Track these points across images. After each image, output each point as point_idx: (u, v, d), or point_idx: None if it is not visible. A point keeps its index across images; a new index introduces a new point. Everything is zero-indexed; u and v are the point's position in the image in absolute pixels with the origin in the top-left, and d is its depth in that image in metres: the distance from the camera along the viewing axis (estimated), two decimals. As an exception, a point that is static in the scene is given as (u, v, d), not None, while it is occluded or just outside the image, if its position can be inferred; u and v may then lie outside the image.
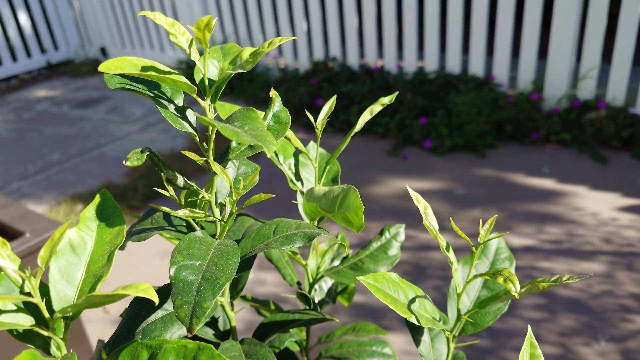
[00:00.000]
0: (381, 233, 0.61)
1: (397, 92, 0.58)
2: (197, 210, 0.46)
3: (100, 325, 1.93)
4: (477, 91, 3.07)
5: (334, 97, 0.59)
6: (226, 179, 0.43)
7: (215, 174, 0.46)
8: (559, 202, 2.45)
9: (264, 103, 3.94)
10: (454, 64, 3.44)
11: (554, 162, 2.79)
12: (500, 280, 0.42)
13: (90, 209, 0.47)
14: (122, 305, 2.01)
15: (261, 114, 0.38)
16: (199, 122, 0.37)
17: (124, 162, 0.40)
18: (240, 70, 0.40)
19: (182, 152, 0.44)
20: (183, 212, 0.45)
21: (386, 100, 0.55)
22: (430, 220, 0.49)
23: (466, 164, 2.86)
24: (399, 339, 1.77)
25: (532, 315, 1.82)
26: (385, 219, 2.43)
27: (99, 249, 0.44)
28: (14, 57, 5.48)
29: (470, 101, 2.96)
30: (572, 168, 2.72)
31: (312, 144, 0.62)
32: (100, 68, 0.38)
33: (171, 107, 0.45)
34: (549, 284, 0.43)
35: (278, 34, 4.78)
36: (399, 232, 0.62)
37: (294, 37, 0.39)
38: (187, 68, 4.43)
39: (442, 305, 1.88)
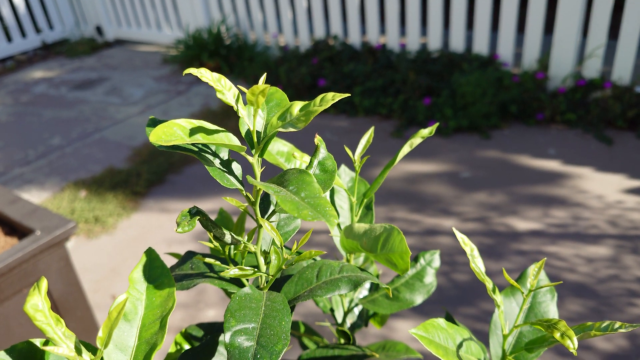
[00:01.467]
0: (416, 259, 0.60)
1: (437, 124, 0.56)
2: (246, 268, 0.45)
3: (106, 313, 1.94)
4: (482, 71, 3.04)
5: (371, 130, 0.57)
6: (277, 237, 0.42)
7: (260, 226, 0.45)
8: (565, 185, 2.44)
9: (265, 83, 3.89)
10: (457, 41, 3.39)
11: (559, 143, 2.77)
12: (557, 335, 0.42)
13: (138, 270, 0.46)
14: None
15: (312, 176, 0.37)
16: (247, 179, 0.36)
17: (175, 229, 0.39)
18: (291, 129, 0.39)
19: (224, 198, 0.43)
20: (233, 272, 0.44)
21: (426, 132, 0.54)
22: (477, 262, 0.48)
23: (471, 145, 2.85)
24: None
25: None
26: (391, 203, 2.43)
27: (150, 314, 0.43)
28: (8, 38, 5.39)
29: (474, 81, 2.93)
30: (578, 149, 2.71)
31: (343, 168, 0.60)
32: (151, 139, 0.37)
33: (216, 162, 0.43)
34: (601, 333, 0.43)
35: (277, 12, 4.70)
36: (434, 258, 0.61)
37: (347, 95, 0.37)
38: (186, 49, 4.36)
39: (454, 298, 1.89)
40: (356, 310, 0.67)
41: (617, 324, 0.42)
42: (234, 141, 0.40)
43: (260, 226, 0.45)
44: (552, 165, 2.60)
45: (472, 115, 2.92)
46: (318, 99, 0.38)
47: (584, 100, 2.93)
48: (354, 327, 0.65)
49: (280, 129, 0.39)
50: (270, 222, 0.45)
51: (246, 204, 0.45)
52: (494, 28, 4.14)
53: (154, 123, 0.43)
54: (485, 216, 2.29)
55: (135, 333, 0.42)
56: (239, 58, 4.25)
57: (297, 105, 0.39)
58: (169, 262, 2.18)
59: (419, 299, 0.58)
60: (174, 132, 0.38)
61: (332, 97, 0.38)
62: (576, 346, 0.41)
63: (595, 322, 0.45)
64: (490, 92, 2.92)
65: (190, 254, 0.52)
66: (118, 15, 5.38)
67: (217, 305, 1.95)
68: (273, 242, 0.45)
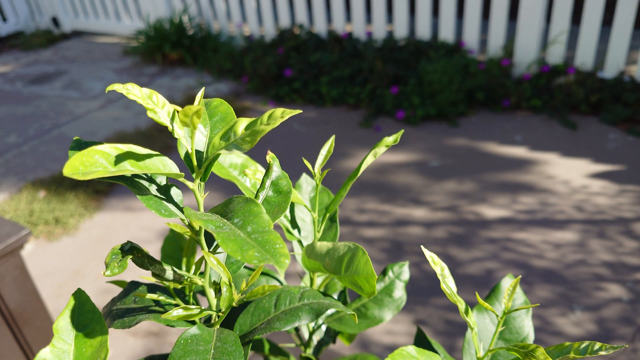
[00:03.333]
0: (384, 273, 0.57)
1: (402, 131, 0.52)
2: (191, 308, 0.41)
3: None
4: (448, 58, 3.03)
5: (332, 139, 0.53)
6: (225, 273, 0.38)
7: (204, 257, 0.40)
8: (532, 171, 2.47)
9: (230, 74, 3.81)
10: (424, 29, 3.37)
11: (525, 130, 2.80)
12: None
13: (64, 317, 0.41)
14: (98, 298, 1.95)
15: (260, 207, 0.32)
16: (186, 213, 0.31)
17: (103, 272, 0.35)
18: (236, 151, 0.34)
19: (167, 224, 0.39)
20: (177, 314, 0.40)
21: (390, 140, 0.50)
22: (447, 282, 0.45)
23: (439, 133, 2.84)
24: None
25: (510, 289, 1.84)
26: (362, 194, 2.41)
27: (79, 368, 0.38)
28: (-43, 30, 5.14)
29: (441, 69, 2.92)
30: (543, 135, 2.74)
31: (304, 177, 0.56)
32: (66, 171, 0.32)
33: (152, 188, 0.39)
34: (580, 356, 0.40)
35: (241, 1, 4.60)
36: (403, 270, 0.58)
37: (299, 111, 0.33)
38: (148, 40, 4.22)
39: (425, 286, 1.89)
40: (323, 327, 0.64)
41: (597, 345, 0.40)
42: (171, 167, 0.35)
43: (204, 257, 0.41)
44: (519, 151, 2.62)
45: (439, 104, 2.92)
46: (265, 116, 0.34)
47: (549, 86, 2.96)
48: (322, 344, 0.62)
49: (223, 151, 0.35)
50: (219, 252, 0.41)
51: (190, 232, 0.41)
52: (459, 15, 4.15)
53: (79, 146, 0.38)
54: (455, 205, 2.29)
55: (65, 393, 0.37)
56: (202, 49, 4.14)
57: (242, 123, 0.34)
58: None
59: (388, 315, 0.55)
60: (94, 161, 0.33)
61: (281, 114, 0.33)
62: (554, 376, 0.39)
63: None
64: (457, 79, 2.92)
65: (133, 285, 0.47)
66: (75, 6, 5.18)
67: (185, 306, 1.89)
68: (225, 287, 0.41)
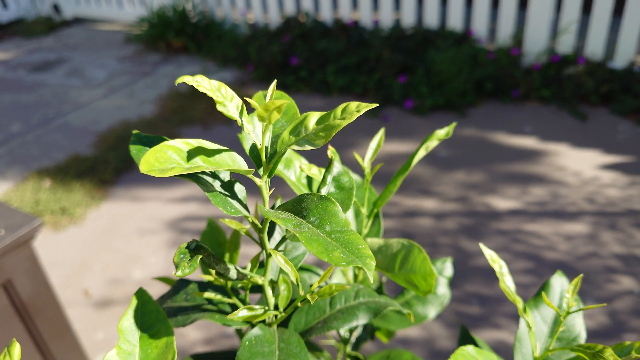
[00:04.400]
0: (428, 269, 0.55)
1: (454, 124, 0.50)
2: (255, 308, 0.39)
3: (81, 309, 1.86)
4: (457, 48, 2.99)
5: (382, 132, 0.51)
6: (293, 273, 0.36)
7: (270, 255, 0.38)
8: (542, 162, 2.45)
9: (235, 62, 3.77)
10: (431, 17, 3.33)
11: (534, 120, 2.77)
12: None
13: (128, 317, 0.39)
14: (106, 289, 1.93)
15: (336, 205, 0.30)
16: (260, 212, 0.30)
17: (173, 272, 0.33)
18: (308, 147, 0.32)
19: (222, 220, 0.37)
20: (242, 314, 0.38)
21: (442, 133, 0.48)
22: (505, 280, 0.44)
23: (448, 124, 2.81)
24: None
25: (521, 280, 1.83)
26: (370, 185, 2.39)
27: (145, 370, 0.36)
28: (-42, 16, 5.08)
29: (450, 59, 2.89)
30: (553, 126, 2.71)
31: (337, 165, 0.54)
32: (142, 168, 0.30)
33: (216, 184, 0.37)
34: None
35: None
36: (445, 266, 0.56)
37: (375, 105, 0.31)
38: (150, 27, 4.18)
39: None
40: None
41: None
42: (240, 163, 0.33)
43: (269, 255, 0.39)
44: (529, 142, 2.60)
45: (448, 94, 2.89)
46: (339, 110, 0.32)
47: (558, 76, 2.93)
48: (360, 340, 0.60)
49: (295, 147, 0.32)
50: (279, 250, 0.39)
51: (248, 226, 0.39)
52: (468, 3, 4.10)
53: (139, 140, 0.36)
54: (465, 196, 2.27)
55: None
56: (206, 36, 4.10)
57: (313, 117, 0.32)
58: (144, 254, 2.10)
59: (432, 312, 0.53)
60: (168, 157, 0.31)
61: (356, 108, 0.31)
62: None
63: (633, 341, 0.41)
64: (465, 69, 2.89)
65: (183, 283, 0.46)
66: (76, -8, 5.12)
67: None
68: (281, 270, 0.40)
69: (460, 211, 2.18)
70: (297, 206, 0.33)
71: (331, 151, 0.43)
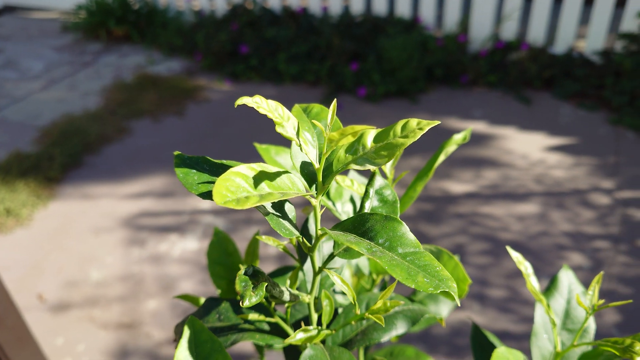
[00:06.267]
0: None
1: (470, 129, 0.51)
2: (309, 329, 0.38)
3: (36, 315, 1.77)
4: (406, 35, 3.04)
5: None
6: (349, 292, 0.35)
7: (318, 273, 0.37)
8: (492, 146, 2.54)
9: (182, 51, 3.66)
10: (380, 4, 3.36)
11: (483, 105, 2.86)
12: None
13: (183, 349, 0.36)
14: (61, 292, 1.85)
15: (403, 224, 0.30)
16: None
17: (241, 304, 0.31)
18: (369, 167, 0.31)
19: (257, 237, 0.36)
20: (299, 337, 0.37)
21: (459, 138, 0.49)
22: (531, 281, 0.45)
23: (401, 110, 2.87)
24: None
25: (480, 261, 1.90)
26: (328, 174, 2.40)
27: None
28: None
29: (400, 46, 2.92)
30: (500, 110, 2.81)
31: (352, 173, 0.54)
32: (218, 202, 0.28)
33: (267, 205, 0.35)
34: None
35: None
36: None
37: (437, 122, 0.31)
38: (89, 15, 3.98)
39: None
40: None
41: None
42: (298, 184, 0.32)
43: (317, 272, 0.38)
44: (479, 127, 2.69)
45: (399, 80, 2.93)
46: (398, 127, 0.31)
47: (503, 62, 3.03)
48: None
49: (354, 166, 0.32)
50: (328, 268, 0.38)
51: (285, 242, 0.38)
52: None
53: (184, 162, 0.35)
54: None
55: None
56: (149, 24, 3.95)
57: (369, 134, 0.31)
58: (100, 254, 2.02)
59: (445, 310, 0.54)
60: (237, 185, 0.30)
61: (417, 126, 0.31)
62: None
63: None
64: (415, 56, 2.94)
65: (213, 302, 0.44)
66: (3, -23, 4.79)
67: (157, 295, 1.84)
68: (322, 285, 0.39)
69: (418, 196, 2.24)
70: (360, 227, 0.32)
71: (374, 169, 0.42)
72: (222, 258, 0.56)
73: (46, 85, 3.40)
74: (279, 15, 3.61)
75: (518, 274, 1.85)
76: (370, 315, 0.35)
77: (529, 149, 2.50)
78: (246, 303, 0.32)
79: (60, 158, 2.57)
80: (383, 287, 0.58)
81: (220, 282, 0.56)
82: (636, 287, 1.77)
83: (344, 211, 0.51)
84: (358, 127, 0.29)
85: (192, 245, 2.04)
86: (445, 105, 2.89)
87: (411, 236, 0.31)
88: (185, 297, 0.59)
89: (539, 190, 2.24)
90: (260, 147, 0.49)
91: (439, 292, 0.27)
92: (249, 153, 2.55)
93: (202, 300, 0.57)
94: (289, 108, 0.44)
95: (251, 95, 2.57)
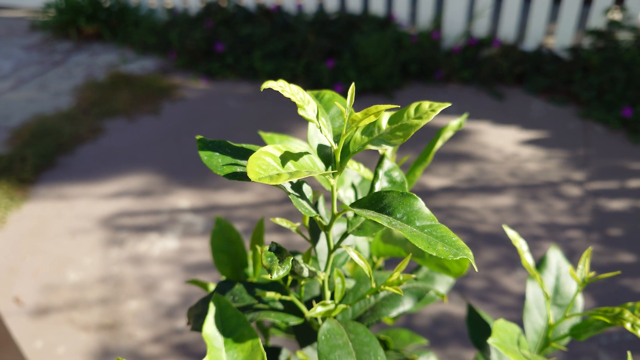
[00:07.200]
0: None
1: (466, 114, 0.53)
2: (328, 303, 0.39)
3: (14, 319, 1.74)
4: (381, 32, 3.07)
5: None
6: (366, 266, 0.36)
7: (333, 251, 0.39)
8: (467, 140, 2.59)
9: (155, 50, 3.62)
10: (354, 2, 3.38)
11: (457, 101, 2.92)
12: (628, 326, 0.42)
13: (209, 324, 0.38)
14: (39, 295, 1.82)
15: (419, 200, 0.32)
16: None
17: (269, 276, 0.32)
18: (385, 147, 0.33)
19: (272, 219, 0.37)
20: (320, 310, 0.38)
21: (455, 124, 0.50)
22: (526, 258, 0.47)
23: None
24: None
25: (459, 254, 1.94)
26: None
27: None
28: None
29: (375, 43, 2.95)
30: (474, 105, 2.87)
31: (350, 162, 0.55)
32: (252, 177, 0.29)
33: (287, 185, 0.36)
34: None
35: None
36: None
37: (447, 104, 0.32)
38: (59, 13, 3.89)
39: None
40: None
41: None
42: (318, 165, 0.33)
43: (332, 250, 0.40)
44: (454, 122, 2.74)
45: (375, 77, 2.96)
46: (412, 109, 0.33)
47: (476, 59, 3.09)
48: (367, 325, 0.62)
49: (371, 147, 0.33)
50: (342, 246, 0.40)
51: (298, 224, 0.39)
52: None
53: (206, 146, 0.35)
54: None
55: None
56: (121, 22, 3.89)
57: (384, 117, 0.33)
58: (77, 256, 1.99)
59: (441, 289, 0.56)
60: (268, 163, 0.31)
61: (429, 108, 0.32)
62: (647, 335, 0.42)
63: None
64: (390, 53, 2.97)
65: (226, 284, 0.45)
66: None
67: (139, 296, 1.82)
68: (334, 264, 0.40)
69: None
70: (378, 204, 0.33)
71: (383, 151, 0.44)
72: (225, 246, 0.57)
73: (15, 85, 3.32)
74: (254, 13, 3.60)
75: (496, 265, 1.90)
76: (387, 287, 0.37)
77: (502, 143, 2.56)
78: (274, 276, 0.33)
79: (33, 159, 2.52)
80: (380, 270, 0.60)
81: (224, 269, 0.57)
82: (607, 272, 1.83)
83: (346, 196, 0.53)
84: (381, 107, 0.31)
85: (172, 244, 2.03)
86: (420, 100, 2.92)
87: (427, 211, 0.33)
88: (195, 282, 0.60)
89: (514, 183, 2.30)
90: (265, 136, 0.50)
91: (457, 258, 0.29)
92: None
93: (212, 285, 0.58)
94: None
95: (227, 93, 2.58)
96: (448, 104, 0.33)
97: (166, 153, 2.59)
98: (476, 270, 0.31)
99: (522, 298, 1.77)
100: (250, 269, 0.56)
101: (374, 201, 0.34)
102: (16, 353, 1.35)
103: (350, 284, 0.46)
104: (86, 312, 1.76)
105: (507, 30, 3.09)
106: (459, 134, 2.64)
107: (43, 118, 2.89)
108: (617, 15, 2.98)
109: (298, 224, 0.40)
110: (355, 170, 0.48)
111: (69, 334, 1.70)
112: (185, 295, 1.81)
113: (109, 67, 3.48)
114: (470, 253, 0.30)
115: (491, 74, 2.99)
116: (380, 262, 0.54)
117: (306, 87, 3.06)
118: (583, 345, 1.62)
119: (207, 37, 3.40)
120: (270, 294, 0.42)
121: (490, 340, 0.42)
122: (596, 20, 2.92)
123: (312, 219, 0.42)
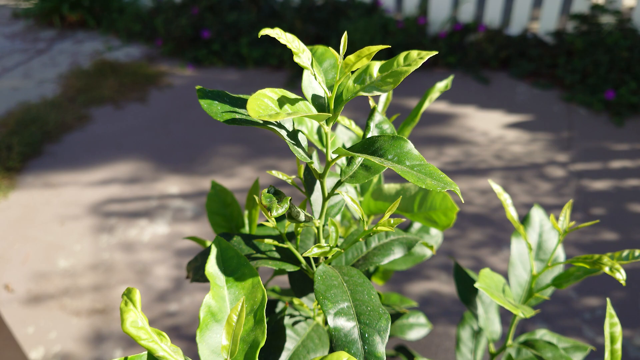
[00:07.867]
0: (420, 212, 0.60)
1: (452, 76, 0.55)
2: (323, 246, 0.41)
3: (5, 305, 1.74)
4: (368, 18, 3.08)
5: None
6: (360, 210, 0.38)
7: (327, 198, 0.40)
8: (454, 124, 2.62)
9: (141, 37, 3.59)
10: (340, -11, 3.38)
11: (443, 86, 2.94)
12: (607, 270, 0.44)
13: (212, 264, 0.40)
14: (29, 281, 1.82)
15: (409, 142, 0.33)
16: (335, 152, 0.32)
17: (268, 215, 0.33)
18: (376, 93, 0.34)
19: (268, 171, 0.39)
20: (316, 252, 0.40)
21: (442, 85, 0.52)
22: (510, 211, 0.49)
23: (364, 92, 2.91)
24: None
25: (446, 234, 1.98)
26: (292, 158, 2.43)
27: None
28: None
29: (362, 28, 2.96)
30: (460, 90, 2.90)
31: (340, 128, 0.57)
32: (253, 115, 0.30)
33: (283, 133, 0.38)
34: (624, 262, 0.46)
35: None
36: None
37: (434, 52, 0.34)
38: (41, 0, 3.84)
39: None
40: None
41: (637, 252, 0.46)
42: (312, 109, 0.35)
43: (326, 198, 0.41)
44: (440, 106, 2.76)
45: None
46: (401, 58, 0.35)
47: (462, 44, 3.12)
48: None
49: (363, 93, 0.35)
50: (335, 194, 0.41)
51: (294, 176, 0.41)
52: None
53: (206, 95, 0.37)
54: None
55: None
56: (105, 10, 3.85)
57: (375, 65, 0.35)
58: (67, 243, 1.99)
59: (429, 251, 0.58)
60: (266, 104, 0.32)
61: (418, 56, 0.34)
62: (625, 277, 0.44)
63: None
64: (377, 38, 2.98)
65: (225, 237, 0.46)
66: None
67: (130, 281, 1.83)
68: (327, 214, 0.42)
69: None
70: (370, 147, 0.35)
71: (372, 102, 0.46)
72: (221, 209, 0.58)
73: (-2, 74, 3.28)
74: (239, -1, 3.58)
75: (482, 244, 1.94)
76: (380, 228, 0.39)
77: (488, 126, 2.59)
78: (274, 213, 0.35)
79: (19, 147, 2.50)
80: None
81: (221, 231, 0.58)
82: (591, 251, 1.88)
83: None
84: (373, 48, 0.32)
85: (162, 229, 2.03)
86: (407, 85, 2.95)
87: (416, 152, 0.34)
88: (193, 238, 0.62)
89: (499, 165, 2.34)
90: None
91: (445, 190, 0.31)
92: (213, 136, 2.54)
93: (209, 242, 0.59)
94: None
95: (214, 79, 2.57)
96: (435, 52, 0.35)
97: (154, 140, 2.59)
98: (462, 201, 0.33)
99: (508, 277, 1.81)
100: (246, 229, 0.58)
101: (366, 145, 0.36)
102: (9, 339, 1.35)
103: (341, 242, 0.48)
104: (77, 297, 1.77)
105: (492, 15, 3.12)
106: (445, 118, 2.67)
107: (28, 106, 2.87)
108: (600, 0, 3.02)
109: (294, 177, 0.42)
110: (346, 126, 0.50)
111: (61, 319, 1.70)
112: (176, 280, 1.82)
113: (94, 55, 3.45)
114: (457, 187, 0.32)
115: (477, 58, 3.02)
116: (370, 222, 0.56)
117: (293, 73, 3.06)
118: (567, 320, 1.66)
119: (193, 23, 3.38)
120: (268, 241, 0.44)
121: (477, 285, 0.44)
122: (580, 5, 2.96)
123: (307, 171, 0.43)
